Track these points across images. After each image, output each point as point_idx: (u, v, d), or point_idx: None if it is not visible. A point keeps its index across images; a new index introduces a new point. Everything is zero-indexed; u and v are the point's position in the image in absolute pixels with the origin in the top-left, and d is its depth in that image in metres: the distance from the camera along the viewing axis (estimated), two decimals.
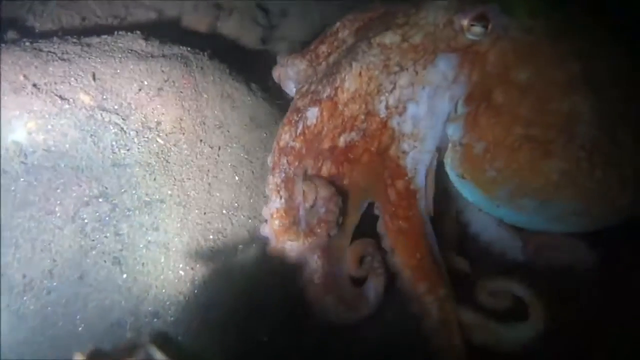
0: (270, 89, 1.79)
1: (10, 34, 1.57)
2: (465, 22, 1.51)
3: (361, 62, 1.54)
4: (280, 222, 1.42)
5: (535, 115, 1.46)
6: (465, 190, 1.58)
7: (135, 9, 2.09)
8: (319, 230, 1.41)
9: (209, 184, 1.46)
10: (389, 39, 1.56)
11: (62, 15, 1.84)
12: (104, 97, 1.39)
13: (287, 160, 1.50)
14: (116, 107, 1.40)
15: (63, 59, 1.41)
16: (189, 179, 1.44)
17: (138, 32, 1.62)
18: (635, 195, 1.52)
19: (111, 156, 1.34)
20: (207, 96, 1.56)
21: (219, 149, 1.52)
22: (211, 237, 1.41)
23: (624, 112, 1.51)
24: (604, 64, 1.53)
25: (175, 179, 1.42)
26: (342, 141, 1.52)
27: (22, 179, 1.20)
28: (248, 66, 1.90)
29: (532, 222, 1.60)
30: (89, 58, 1.45)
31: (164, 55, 1.58)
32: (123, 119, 1.39)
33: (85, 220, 1.25)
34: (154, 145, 1.42)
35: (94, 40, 1.55)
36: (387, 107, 1.53)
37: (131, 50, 1.55)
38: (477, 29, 1.51)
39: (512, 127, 1.46)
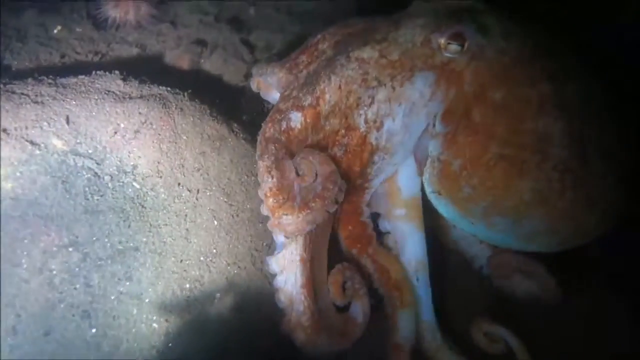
0: (254, 125, 1.76)
1: None
2: (442, 40, 1.55)
3: (339, 76, 1.57)
4: (274, 200, 1.41)
5: (510, 134, 1.49)
6: (441, 206, 1.61)
7: (117, 44, 2.06)
8: (313, 205, 1.42)
9: (187, 229, 1.41)
10: (367, 54, 1.58)
11: (41, 53, 1.80)
12: (78, 141, 1.35)
13: (275, 147, 1.49)
14: (90, 151, 1.35)
15: (36, 102, 1.37)
16: (166, 224, 1.39)
17: (116, 72, 1.59)
18: (601, 217, 1.56)
19: (83, 203, 1.29)
20: (186, 138, 1.52)
21: (198, 192, 1.47)
22: (187, 286, 1.35)
23: (594, 133, 1.54)
24: (573, 86, 1.57)
25: (150, 225, 1.37)
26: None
27: None
28: (231, 103, 1.87)
29: (503, 240, 1.62)
30: (64, 100, 1.41)
31: (142, 96, 1.54)
32: (97, 164, 1.35)
33: (54, 272, 1.20)
34: (130, 190, 1.37)
35: (71, 80, 1.52)
36: (366, 122, 1.56)
37: (108, 91, 1.52)
38: (454, 47, 1.55)
39: (488, 146, 1.49)
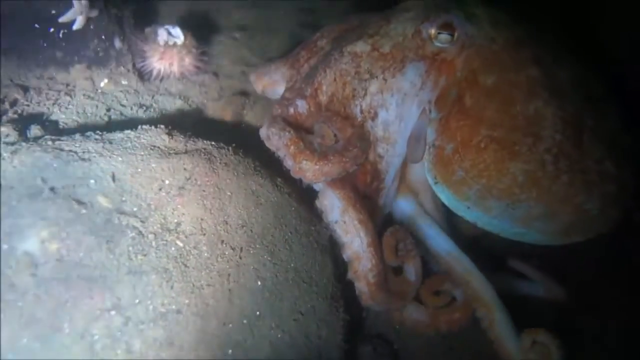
0: (297, 181, 1.73)
1: (34, 130, 1.54)
2: (432, 30, 1.62)
3: (334, 69, 1.67)
4: (295, 147, 1.52)
5: (500, 117, 1.53)
6: (441, 194, 1.64)
7: (161, 96, 2.09)
8: (332, 158, 1.52)
9: (230, 290, 1.36)
10: (360, 48, 1.67)
11: (87, 106, 1.83)
12: (123, 198, 1.33)
13: (282, 119, 1.62)
14: (135, 209, 1.33)
15: (84, 159, 1.37)
16: (209, 285, 1.34)
17: (162, 126, 1.59)
18: (601, 203, 1.55)
19: (127, 263, 1.25)
20: (230, 193, 1.49)
21: (241, 250, 1.43)
22: (230, 351, 1.29)
23: (589, 119, 1.57)
24: (563, 72, 1.61)
25: (193, 285, 1.32)
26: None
27: (30, 294, 1.12)
28: (274, 156, 1.84)
29: (501, 226, 1.62)
30: (110, 157, 1.41)
31: (187, 151, 1.53)
32: (141, 222, 1.32)
33: (95, 337, 1.16)
34: (173, 248, 1.34)
35: (117, 135, 1.52)
36: (361, 111, 1.65)
37: (154, 146, 1.51)
38: (444, 36, 1.62)
39: (478, 129, 1.53)
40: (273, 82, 1.98)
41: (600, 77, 1.71)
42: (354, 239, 1.57)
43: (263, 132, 1.63)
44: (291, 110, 1.68)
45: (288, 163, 1.55)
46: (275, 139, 1.57)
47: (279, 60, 2.01)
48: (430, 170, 1.64)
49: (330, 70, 1.67)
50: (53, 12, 1.81)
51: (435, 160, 1.62)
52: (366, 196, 1.67)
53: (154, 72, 2.14)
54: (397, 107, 1.66)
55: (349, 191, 1.62)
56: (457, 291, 1.69)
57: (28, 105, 1.75)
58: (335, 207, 1.60)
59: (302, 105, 1.68)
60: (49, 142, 1.41)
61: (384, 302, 1.57)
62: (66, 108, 1.78)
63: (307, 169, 1.52)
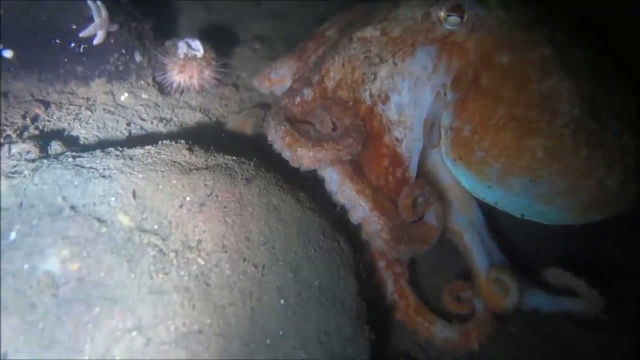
0: (320, 189, 1.71)
1: (55, 146, 1.53)
2: (442, 13, 1.64)
3: (343, 54, 1.70)
4: (290, 137, 1.59)
5: (517, 95, 1.54)
6: (459, 175, 1.65)
7: (181, 109, 2.07)
8: (326, 145, 1.58)
9: (252, 309, 1.33)
10: (369, 33, 1.70)
11: (108, 121, 1.82)
12: (144, 216, 1.31)
13: (285, 114, 1.68)
14: (156, 226, 1.31)
15: (104, 176, 1.35)
16: (231, 304, 1.31)
17: (182, 141, 1.57)
18: (623, 177, 1.56)
19: (148, 283, 1.23)
20: (252, 209, 1.46)
21: (264, 268, 1.39)
22: None
23: (606, 96, 1.58)
24: (577, 52, 1.63)
25: (215, 304, 1.29)
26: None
27: (51, 315, 1.10)
28: (295, 169, 1.81)
29: (523, 204, 1.62)
30: (131, 173, 1.39)
31: (207, 167, 1.50)
32: (163, 240, 1.30)
33: (117, 359, 1.13)
34: (194, 267, 1.31)
35: (138, 151, 1.50)
36: (371, 96, 1.67)
37: (174, 162, 1.49)
38: (454, 19, 1.63)
39: (496, 108, 1.55)
40: (280, 78, 2.03)
41: (615, 57, 1.72)
42: (356, 206, 1.63)
43: (265, 128, 1.71)
44: (297, 99, 1.73)
45: (286, 154, 1.61)
46: (272, 133, 1.64)
47: (284, 56, 2.04)
48: (448, 154, 1.65)
49: (338, 56, 1.70)
50: (74, 27, 1.81)
51: (453, 142, 1.62)
52: (399, 188, 1.65)
53: (174, 85, 2.12)
54: (409, 91, 1.68)
55: (346, 165, 1.66)
56: (477, 300, 1.68)
57: (49, 121, 1.74)
58: (332, 180, 1.67)
59: (307, 93, 1.73)
60: (70, 159, 1.40)
61: (407, 252, 1.62)
62: (87, 123, 1.77)
63: (303, 156, 1.58)
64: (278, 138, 1.62)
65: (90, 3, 1.78)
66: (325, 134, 1.63)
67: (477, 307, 1.69)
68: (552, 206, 1.61)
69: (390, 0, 1.82)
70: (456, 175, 1.66)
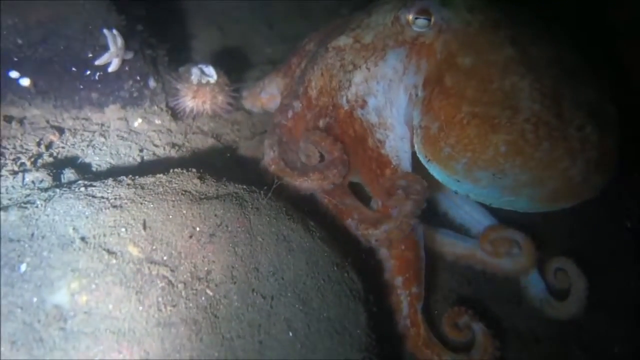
0: (330, 217, 1.70)
1: (68, 174, 1.55)
2: (410, 16, 1.73)
3: (320, 65, 1.81)
4: (276, 166, 1.73)
5: (479, 94, 1.62)
6: (433, 170, 1.73)
7: (194, 135, 2.09)
8: (311, 175, 1.71)
9: (260, 341, 1.32)
10: (343, 42, 1.80)
11: (121, 147, 1.84)
12: (154, 247, 1.31)
13: (280, 131, 1.80)
14: (165, 257, 1.31)
15: (115, 206, 1.36)
16: (239, 336, 1.30)
17: (193, 170, 1.57)
18: (586, 167, 1.63)
19: (156, 315, 1.22)
20: (261, 239, 1.46)
21: (272, 299, 1.38)
22: None
23: (567, 90, 1.65)
24: (539, 50, 1.70)
25: (223, 337, 1.28)
26: (321, 123, 1.80)
27: (58, 349, 1.10)
28: (306, 197, 1.81)
29: (492, 195, 1.71)
30: (142, 203, 1.39)
31: (218, 196, 1.51)
32: (172, 271, 1.30)
33: None
34: (203, 298, 1.30)
35: (149, 180, 1.51)
36: (347, 101, 1.77)
37: (185, 191, 1.49)
38: (421, 21, 1.72)
39: (460, 106, 1.63)
40: (270, 97, 2.15)
41: (580, 52, 1.80)
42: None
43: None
44: (290, 113, 1.83)
45: (269, 178, 1.72)
46: (265, 154, 1.77)
47: (270, 74, 2.15)
48: (420, 151, 1.73)
49: (317, 67, 1.80)
50: (89, 55, 1.84)
51: (423, 140, 1.70)
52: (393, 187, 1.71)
53: (187, 111, 2.14)
54: (384, 93, 1.77)
55: None
56: (476, 325, 1.69)
57: (63, 147, 1.76)
58: None
59: (297, 106, 1.84)
60: (82, 188, 1.41)
61: (352, 227, 1.72)
62: (100, 150, 1.79)
63: (288, 184, 1.71)
64: (266, 162, 1.76)
65: (106, 32, 1.81)
66: (312, 165, 1.73)
67: (476, 332, 1.69)
68: (520, 196, 1.69)
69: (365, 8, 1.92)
70: (430, 171, 1.74)
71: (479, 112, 1.61)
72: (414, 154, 1.80)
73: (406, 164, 1.76)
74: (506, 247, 1.91)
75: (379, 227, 1.69)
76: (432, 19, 1.71)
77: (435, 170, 1.73)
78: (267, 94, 2.17)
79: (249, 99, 2.23)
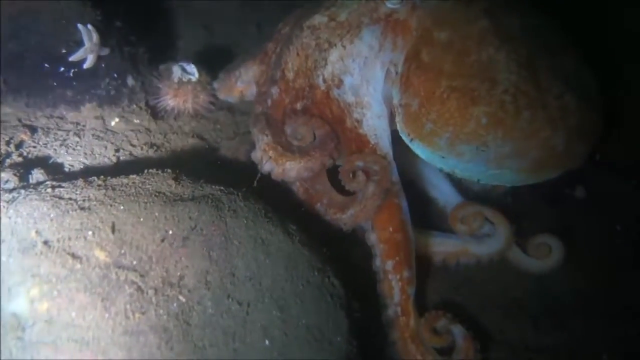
0: (313, 222, 1.65)
1: (36, 174, 1.48)
2: None
3: (296, 44, 1.78)
4: (273, 151, 1.66)
5: (457, 68, 1.63)
6: (416, 149, 1.73)
7: (174, 134, 2.02)
8: (313, 153, 1.67)
9: (235, 350, 1.26)
10: (318, 20, 1.77)
11: (96, 147, 1.77)
12: (122, 251, 1.24)
13: (264, 117, 1.75)
14: (135, 262, 1.24)
15: (83, 208, 1.30)
16: (212, 345, 1.24)
17: (169, 170, 1.51)
18: (567, 136, 1.65)
19: (123, 323, 1.16)
20: (238, 243, 1.40)
21: (249, 305, 1.32)
22: None
23: (544, 60, 1.66)
24: (513, 21, 1.70)
25: (195, 345, 1.22)
26: (298, 106, 1.76)
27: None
28: (287, 199, 1.75)
29: (477, 170, 1.71)
30: (112, 205, 1.33)
31: (193, 198, 1.44)
32: (141, 276, 1.23)
33: None
34: (174, 305, 1.24)
35: (121, 181, 1.45)
36: (324, 81, 1.75)
37: (159, 192, 1.43)
38: None
39: (439, 81, 1.62)
40: (247, 85, 2.10)
41: (554, 23, 1.81)
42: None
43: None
44: (269, 101, 1.80)
45: (266, 167, 1.67)
46: (255, 143, 1.71)
47: (246, 62, 2.10)
48: (403, 130, 1.72)
49: (293, 47, 1.78)
50: (63, 51, 1.78)
51: (405, 118, 1.70)
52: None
53: (168, 110, 2.08)
54: (360, 71, 1.75)
55: None
56: (455, 328, 1.63)
57: (35, 147, 1.70)
58: None
59: (275, 92, 1.80)
60: (49, 189, 1.35)
61: (321, 213, 1.72)
62: (74, 149, 1.73)
63: (291, 169, 1.66)
64: (259, 150, 1.69)
65: (80, 27, 1.75)
66: (308, 144, 1.69)
67: (456, 335, 1.63)
68: (504, 169, 1.70)
69: None
70: (413, 149, 1.74)
71: (458, 86, 1.62)
72: (395, 133, 1.78)
73: (385, 142, 1.75)
74: (478, 221, 1.88)
75: (346, 211, 1.69)
76: None
77: (418, 148, 1.72)
78: (244, 83, 2.13)
79: (223, 89, 2.18)
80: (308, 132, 1.69)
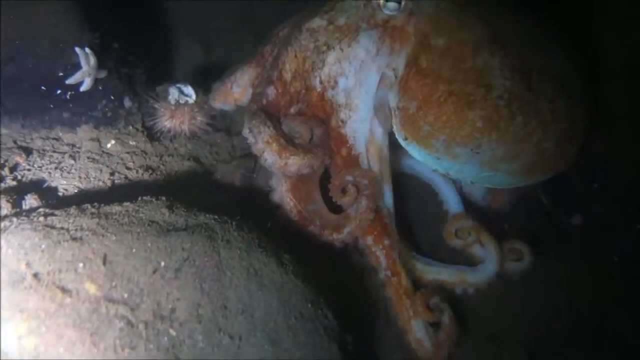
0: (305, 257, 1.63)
1: (30, 200, 1.47)
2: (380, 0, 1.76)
3: (294, 46, 1.83)
4: (277, 144, 1.69)
5: (454, 73, 1.69)
6: (413, 151, 1.79)
7: (170, 157, 2.01)
8: (316, 151, 1.71)
9: None
10: (317, 23, 1.82)
11: (91, 170, 1.76)
12: (113, 284, 1.23)
13: (260, 112, 1.76)
14: (125, 295, 1.23)
15: (75, 238, 1.28)
16: None
17: (163, 198, 1.50)
18: (557, 139, 1.73)
19: (112, 358, 1.15)
20: (231, 274, 1.38)
21: (240, 339, 1.31)
22: None
23: (537, 64, 1.73)
24: (507, 26, 1.77)
25: None
26: (292, 111, 1.81)
27: None
28: (281, 226, 1.74)
29: (470, 172, 1.78)
30: (104, 235, 1.32)
31: (187, 227, 1.43)
32: (132, 309, 1.22)
33: None
34: (165, 339, 1.23)
35: (115, 209, 1.43)
36: (321, 82, 1.81)
37: (152, 221, 1.42)
38: (392, 4, 1.76)
39: (437, 86, 1.69)
40: (243, 90, 2.12)
41: (547, 25, 1.88)
42: (278, 184, 1.78)
43: (245, 131, 1.77)
44: (264, 101, 1.84)
45: (270, 158, 1.70)
46: (255, 134, 1.72)
47: (242, 67, 2.13)
48: (399, 131, 1.78)
49: (291, 48, 1.82)
50: (60, 74, 1.77)
51: (402, 120, 1.76)
52: (348, 165, 1.80)
53: (164, 131, 2.07)
54: (355, 74, 1.80)
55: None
56: (444, 306, 1.72)
57: (29, 170, 1.68)
58: (269, 160, 1.75)
59: (270, 92, 1.85)
60: (42, 218, 1.33)
61: (315, 234, 1.76)
62: (68, 172, 1.71)
63: (293, 164, 1.70)
64: (261, 142, 1.70)
65: (78, 50, 1.75)
66: (309, 142, 1.75)
67: (444, 315, 1.72)
68: (498, 171, 1.77)
69: None
70: (409, 151, 1.80)
71: (455, 90, 1.67)
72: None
73: (360, 145, 1.82)
74: (473, 235, 1.93)
75: (342, 230, 1.75)
76: (402, 2, 1.76)
77: (414, 150, 1.78)
78: (240, 87, 2.15)
79: (219, 97, 2.18)
80: (306, 131, 1.75)
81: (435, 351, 1.71)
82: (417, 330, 1.73)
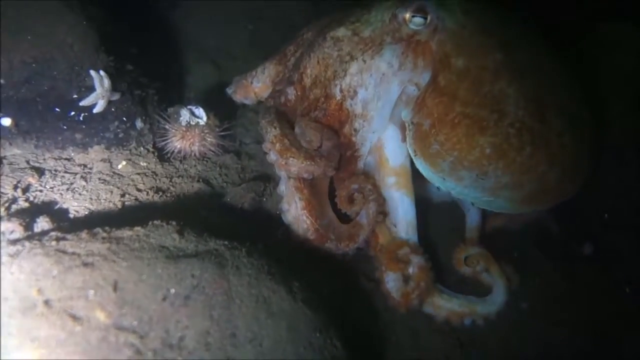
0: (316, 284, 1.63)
1: (42, 223, 1.48)
2: (407, 15, 1.78)
3: (318, 53, 1.85)
4: (280, 144, 1.72)
5: (471, 96, 1.69)
6: (419, 165, 1.81)
7: (180, 178, 2.02)
8: (318, 160, 1.72)
9: None
10: (341, 33, 1.84)
11: (102, 191, 1.77)
12: (123, 311, 1.23)
13: (274, 110, 1.82)
14: (135, 322, 1.23)
15: (86, 264, 1.29)
16: None
17: (173, 223, 1.50)
18: (561, 174, 1.74)
19: None
20: (240, 302, 1.38)
21: None
22: None
23: (551, 97, 1.74)
24: (526, 56, 1.78)
25: None
26: (309, 117, 1.82)
27: None
28: (291, 254, 1.74)
29: (472, 195, 1.80)
30: (115, 261, 1.32)
31: (197, 254, 1.43)
32: (141, 337, 1.22)
33: None
34: None
35: (125, 233, 1.44)
36: (341, 91, 1.82)
37: (162, 247, 1.42)
38: (417, 19, 1.77)
39: (452, 106, 1.69)
40: (264, 85, 2.16)
41: (562, 59, 1.89)
42: (291, 204, 1.79)
43: (259, 128, 1.81)
44: (282, 99, 1.86)
45: (272, 157, 1.73)
46: (263, 135, 1.76)
47: (264, 63, 2.16)
48: (411, 145, 1.79)
49: (314, 54, 1.84)
50: (75, 96, 1.79)
51: (415, 135, 1.77)
52: (344, 162, 1.85)
53: (175, 152, 2.09)
54: (375, 87, 1.82)
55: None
56: (414, 257, 1.78)
57: (41, 191, 1.69)
58: (282, 179, 1.84)
59: (290, 92, 1.87)
60: (53, 242, 1.34)
61: (335, 249, 1.78)
62: (80, 194, 1.72)
63: (293, 165, 1.71)
64: (268, 141, 1.74)
65: (92, 73, 1.77)
66: (316, 149, 1.76)
67: (413, 264, 1.78)
68: (499, 197, 1.78)
69: (364, 2, 1.97)
70: (416, 165, 1.82)
71: (469, 113, 1.68)
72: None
73: (364, 152, 1.86)
74: (482, 264, 1.96)
75: (357, 239, 1.80)
76: (428, 18, 1.76)
77: (421, 165, 1.80)
78: (260, 82, 2.18)
79: (239, 91, 2.23)
80: (316, 138, 1.76)
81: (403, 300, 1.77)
82: (387, 282, 1.79)
